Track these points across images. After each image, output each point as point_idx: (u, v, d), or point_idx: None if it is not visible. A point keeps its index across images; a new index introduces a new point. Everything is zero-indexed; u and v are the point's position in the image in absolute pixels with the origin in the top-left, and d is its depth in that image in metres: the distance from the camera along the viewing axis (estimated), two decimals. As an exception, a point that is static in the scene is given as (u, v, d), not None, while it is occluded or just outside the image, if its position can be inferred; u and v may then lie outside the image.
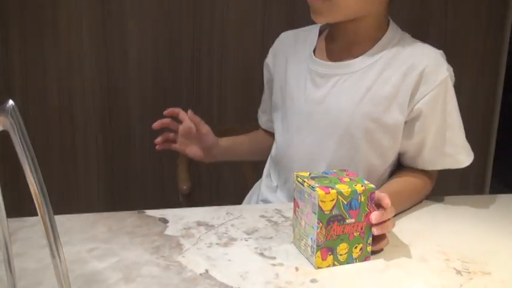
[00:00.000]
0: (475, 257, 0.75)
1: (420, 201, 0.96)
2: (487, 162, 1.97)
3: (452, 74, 0.91)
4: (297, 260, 0.73)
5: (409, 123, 0.91)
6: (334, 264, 0.71)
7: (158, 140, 0.97)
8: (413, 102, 0.89)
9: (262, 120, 1.15)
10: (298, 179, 0.74)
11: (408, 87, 0.88)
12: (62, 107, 1.61)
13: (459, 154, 0.94)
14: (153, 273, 0.69)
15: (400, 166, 0.99)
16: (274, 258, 0.74)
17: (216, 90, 1.70)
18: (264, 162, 1.11)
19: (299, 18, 1.66)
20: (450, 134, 0.92)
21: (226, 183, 1.78)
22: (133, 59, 1.61)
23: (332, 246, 0.70)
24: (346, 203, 0.69)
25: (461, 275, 0.70)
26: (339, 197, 0.69)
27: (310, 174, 0.75)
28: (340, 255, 0.71)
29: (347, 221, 0.70)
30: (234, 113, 1.73)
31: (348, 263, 0.72)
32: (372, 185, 0.71)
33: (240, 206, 0.95)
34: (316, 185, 0.70)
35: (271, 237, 0.80)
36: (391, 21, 0.95)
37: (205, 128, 0.99)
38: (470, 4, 1.78)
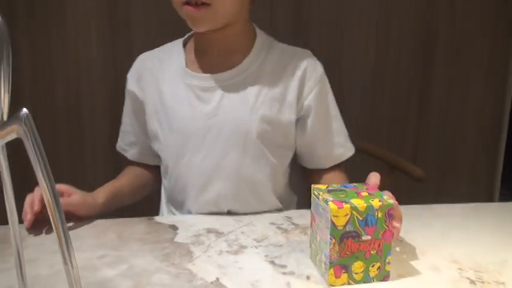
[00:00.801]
0: (488, 266, 0.74)
1: None
2: (496, 169, 1.95)
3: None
4: (308, 269, 0.72)
5: (301, 121, 0.95)
6: (349, 283, 0.68)
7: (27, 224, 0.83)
8: (301, 100, 0.93)
9: (132, 153, 1.05)
10: (315, 191, 0.71)
11: (294, 86, 0.92)
12: (71, 110, 1.62)
13: (347, 142, 1.00)
14: (163, 281, 0.69)
15: (306, 174, 1.03)
16: (285, 266, 0.73)
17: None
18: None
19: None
20: (336, 125, 0.98)
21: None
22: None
23: (346, 263, 0.67)
24: (361, 218, 0.66)
25: (475, 284, 0.69)
26: (354, 212, 0.66)
27: (328, 187, 0.73)
28: (356, 273, 0.68)
29: (362, 237, 0.67)
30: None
31: (364, 282, 0.68)
32: (391, 201, 0.68)
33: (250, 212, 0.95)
34: (330, 198, 0.68)
35: (281, 245, 0.80)
36: (255, 26, 0.97)
37: (73, 200, 0.87)
38: (475, 16, 1.77)
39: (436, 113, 1.83)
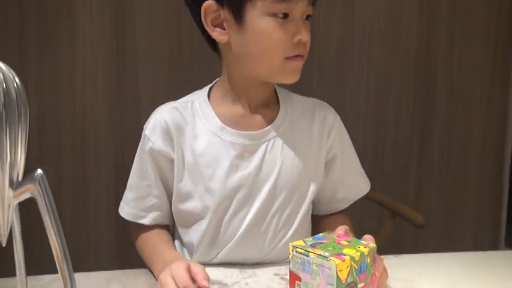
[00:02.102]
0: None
1: None
2: (500, 212, 1.95)
3: None
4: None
5: (326, 166, 0.97)
6: None
7: None
8: (328, 147, 0.96)
9: (153, 217, 0.93)
10: (298, 249, 0.70)
11: (323, 136, 0.95)
12: (75, 157, 1.63)
13: (360, 182, 1.01)
14: (168, 335, 0.68)
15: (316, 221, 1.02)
16: (289, 319, 0.73)
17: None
18: None
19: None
20: (355, 166, 1.00)
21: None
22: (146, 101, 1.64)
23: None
24: (357, 267, 0.68)
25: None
26: (352, 262, 0.67)
27: (305, 242, 0.71)
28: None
29: (358, 286, 0.68)
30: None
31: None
32: (373, 245, 0.71)
33: (253, 264, 0.94)
34: (326, 253, 0.67)
35: (285, 297, 0.80)
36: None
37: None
38: (474, 55, 1.82)
39: (437, 157, 1.84)
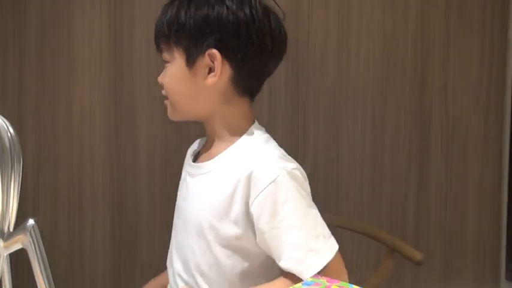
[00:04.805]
0: None
1: None
2: (500, 243, 1.93)
3: (294, 173, 0.84)
4: None
5: (255, 230, 0.85)
6: None
7: None
8: (248, 208, 0.84)
9: None
10: None
11: (241, 194, 0.84)
12: (72, 196, 1.63)
13: (307, 259, 0.82)
14: None
15: None
16: None
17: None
18: None
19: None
20: (292, 238, 0.83)
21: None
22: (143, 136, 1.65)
23: None
24: None
25: None
26: None
27: None
28: None
29: None
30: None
31: None
32: None
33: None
34: None
35: None
36: (254, 124, 0.93)
37: None
38: (469, 91, 1.84)
39: (435, 191, 1.84)
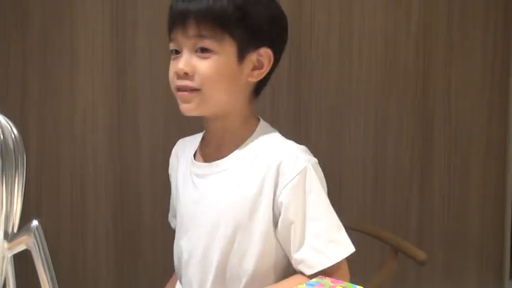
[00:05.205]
0: None
1: None
2: (503, 245, 1.93)
3: (317, 167, 0.87)
4: None
5: (280, 220, 0.86)
6: None
7: None
8: (276, 198, 0.85)
9: (175, 224, 1.03)
10: None
11: (270, 185, 0.85)
12: (74, 196, 1.63)
13: (327, 249, 0.84)
14: None
15: None
16: None
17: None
18: None
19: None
20: (314, 227, 0.84)
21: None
22: (146, 146, 1.65)
23: None
24: None
25: None
26: None
27: None
28: None
29: None
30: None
31: None
32: None
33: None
34: None
35: None
36: (261, 120, 0.94)
37: None
38: (472, 94, 1.84)
39: (438, 192, 1.84)
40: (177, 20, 0.84)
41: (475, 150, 1.85)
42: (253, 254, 0.87)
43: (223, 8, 0.82)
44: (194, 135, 1.02)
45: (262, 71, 0.87)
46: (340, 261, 0.84)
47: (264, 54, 0.86)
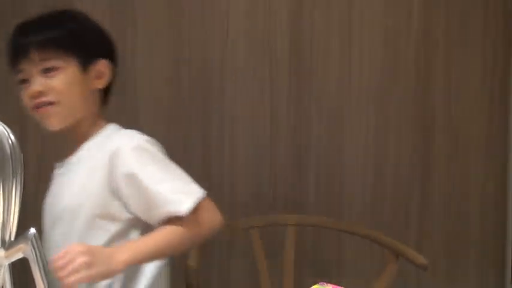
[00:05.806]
0: None
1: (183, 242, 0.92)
2: (505, 248, 1.92)
3: (151, 140, 1.00)
4: None
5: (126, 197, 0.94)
6: None
7: None
8: (115, 181, 0.94)
9: None
10: None
11: (106, 169, 0.94)
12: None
13: (176, 194, 0.94)
14: None
15: None
16: None
17: (227, 186, 1.71)
18: None
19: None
20: (164, 187, 0.93)
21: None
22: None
23: None
24: None
25: None
26: None
27: None
28: None
29: None
30: (245, 208, 1.73)
31: None
32: None
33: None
34: None
35: None
36: (111, 124, 1.05)
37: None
38: (472, 94, 1.83)
39: (438, 195, 1.83)
40: (21, 52, 0.95)
41: (475, 152, 1.84)
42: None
43: (60, 34, 0.98)
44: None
45: (104, 79, 1.01)
46: (202, 201, 0.94)
47: (102, 65, 1.00)
